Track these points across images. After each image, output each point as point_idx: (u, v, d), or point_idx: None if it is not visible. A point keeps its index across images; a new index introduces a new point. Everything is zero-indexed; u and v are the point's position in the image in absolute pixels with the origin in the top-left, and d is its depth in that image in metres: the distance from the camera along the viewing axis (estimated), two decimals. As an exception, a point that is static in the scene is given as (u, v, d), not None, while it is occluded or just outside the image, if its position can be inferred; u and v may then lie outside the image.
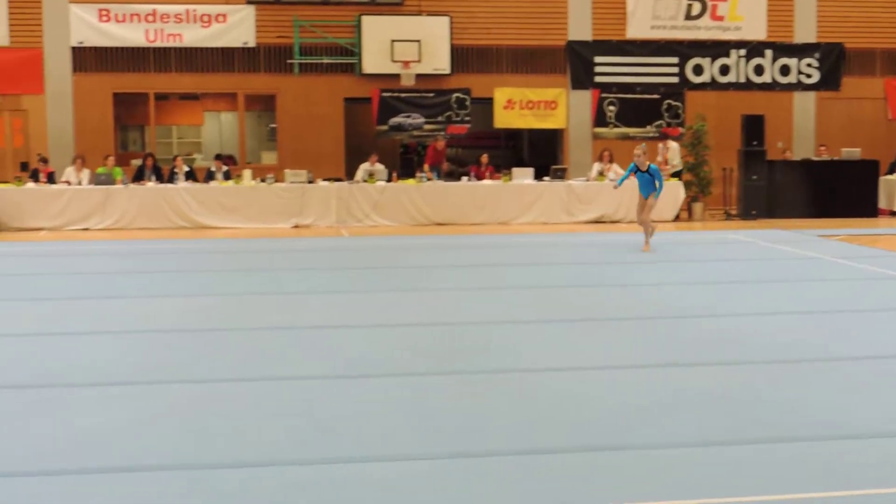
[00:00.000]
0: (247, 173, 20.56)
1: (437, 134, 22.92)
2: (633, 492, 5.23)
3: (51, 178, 20.48)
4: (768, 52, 24.19)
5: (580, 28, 23.55)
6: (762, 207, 21.40)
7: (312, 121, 22.93)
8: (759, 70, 24.23)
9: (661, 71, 23.89)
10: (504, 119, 23.59)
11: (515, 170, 21.22)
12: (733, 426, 6.35)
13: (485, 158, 21.94)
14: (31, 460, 5.85)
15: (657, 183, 15.40)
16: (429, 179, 20.85)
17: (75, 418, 6.70)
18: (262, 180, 20.29)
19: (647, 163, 15.36)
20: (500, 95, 23.38)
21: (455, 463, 5.76)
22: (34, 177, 20.59)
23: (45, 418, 6.71)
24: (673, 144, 21.96)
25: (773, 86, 24.27)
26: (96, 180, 20.14)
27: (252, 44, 22.58)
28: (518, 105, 23.46)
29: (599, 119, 23.83)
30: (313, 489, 5.37)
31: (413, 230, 19.38)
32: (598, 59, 23.65)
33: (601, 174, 21.18)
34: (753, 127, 21.52)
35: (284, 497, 5.25)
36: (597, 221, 20.55)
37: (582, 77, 23.69)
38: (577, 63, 23.62)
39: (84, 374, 7.91)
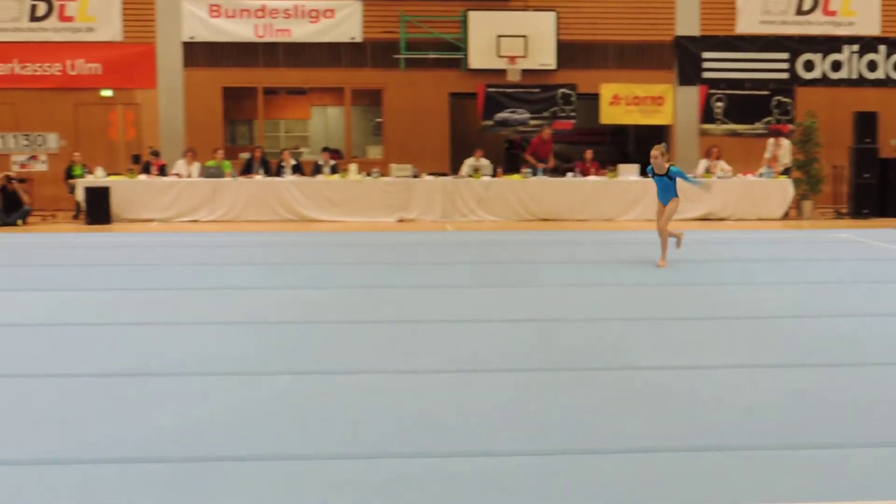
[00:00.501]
0: (353, 167, 20.72)
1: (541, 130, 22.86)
2: (750, 493, 5.14)
3: (162, 171, 20.87)
4: (882, 48, 23.65)
5: (688, 23, 23.27)
6: (874, 206, 20.94)
7: (418, 116, 23.01)
8: (872, 66, 23.70)
9: (771, 67, 23.51)
10: (610, 115, 23.43)
11: (621, 166, 21.06)
12: (855, 428, 6.22)
13: (589, 154, 21.81)
14: (152, 447, 5.96)
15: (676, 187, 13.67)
16: (532, 168, 20.79)
17: (193, 407, 6.81)
18: (368, 174, 20.43)
19: (667, 165, 13.49)
20: (606, 91, 23.22)
21: (562, 460, 5.72)
22: (146, 169, 20.99)
23: (163, 407, 6.83)
24: (785, 142, 21.58)
25: (886, 82, 23.71)
26: (206, 173, 20.48)
27: (359, 39, 22.74)
28: (624, 101, 23.28)
29: (707, 115, 23.53)
30: (422, 483, 5.38)
31: (517, 225, 19.34)
32: (706, 55, 23.35)
33: (708, 171, 20.91)
34: (866, 124, 21.07)
35: (394, 490, 5.27)
36: (703, 219, 20.30)
37: (689, 73, 23.41)
38: (684, 58, 23.34)
39: (198, 364, 8.02)
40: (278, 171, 20.91)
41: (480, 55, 22.63)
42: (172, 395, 7.12)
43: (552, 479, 5.43)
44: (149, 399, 7.03)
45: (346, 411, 6.71)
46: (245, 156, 22.07)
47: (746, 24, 23.47)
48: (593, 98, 23.30)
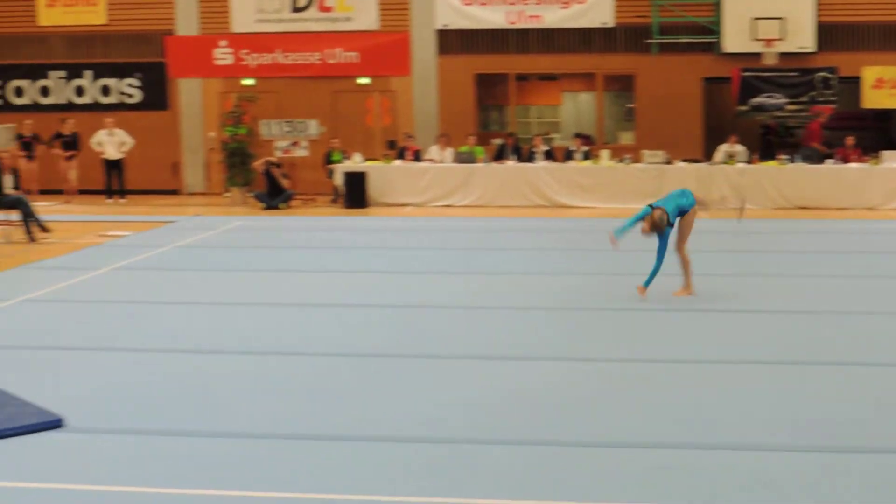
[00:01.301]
0: (604, 153, 20.61)
1: (799, 115, 22.12)
2: None
3: (416, 156, 21.31)
4: None
5: (961, 1, 22.04)
6: None
7: (670, 101, 22.66)
8: None
9: None
10: (873, 99, 22.43)
11: (885, 153, 20.15)
12: None
13: (850, 140, 20.97)
14: (411, 428, 6.10)
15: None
16: (822, 155, 20.11)
17: (450, 390, 6.94)
18: (620, 161, 20.28)
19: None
20: (869, 74, 22.24)
21: (829, 458, 5.55)
22: (401, 155, 21.48)
23: (419, 389, 6.97)
24: None
25: None
26: (459, 158, 20.79)
27: (611, 24, 22.55)
28: (889, 84, 22.24)
29: (980, 98, 22.23)
30: (680, 473, 5.31)
31: (774, 214, 18.81)
32: (980, 35, 22.07)
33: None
34: None
35: (651, 479, 5.23)
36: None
37: (961, 54, 22.17)
38: (956, 39, 22.14)
39: (455, 347, 8.16)
40: (530, 157, 21.01)
41: (735, 38, 22.06)
42: (430, 378, 7.26)
43: (814, 477, 5.27)
44: (407, 381, 7.19)
45: (605, 398, 6.69)
46: (497, 141, 22.26)
47: None
48: (854, 81, 22.36)
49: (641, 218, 10.06)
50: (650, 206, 10.22)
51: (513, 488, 5.12)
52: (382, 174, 20.54)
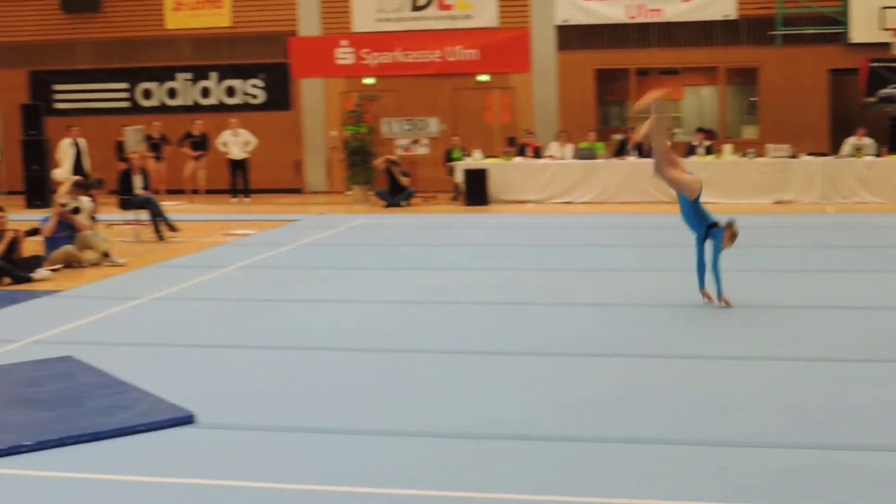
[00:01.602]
0: (727, 148, 20.31)
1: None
2: None
3: (537, 153, 21.29)
4: None
5: None
6: None
7: (795, 93, 22.23)
8: None
9: None
10: None
11: None
12: None
13: None
14: (538, 425, 6.11)
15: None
16: None
17: (575, 387, 6.93)
18: (743, 155, 19.97)
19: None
20: None
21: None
22: (521, 151, 21.48)
23: (545, 386, 6.98)
24: None
25: None
26: (579, 155, 20.72)
27: (733, 16, 22.22)
28: None
29: None
30: (809, 474, 5.23)
31: (903, 208, 18.35)
32: None
33: None
34: None
35: (779, 481, 5.15)
36: None
37: None
38: None
39: (580, 345, 8.15)
40: (651, 153, 20.79)
41: (862, 28, 21.55)
42: (554, 375, 7.26)
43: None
44: (531, 378, 7.20)
45: (724, 397, 6.62)
46: (618, 137, 22.12)
47: None
48: None
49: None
50: (714, 222, 9.63)
51: (639, 487, 5.09)
52: (503, 171, 20.57)
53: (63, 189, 14.35)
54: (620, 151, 21.10)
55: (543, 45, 23.01)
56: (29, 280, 12.09)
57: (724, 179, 19.61)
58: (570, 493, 5.04)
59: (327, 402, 6.67)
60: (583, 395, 6.72)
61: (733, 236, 9.54)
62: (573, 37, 22.98)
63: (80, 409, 6.46)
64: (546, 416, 6.27)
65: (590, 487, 5.10)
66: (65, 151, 20.48)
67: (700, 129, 21.60)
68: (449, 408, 6.49)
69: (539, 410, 6.38)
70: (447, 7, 23.29)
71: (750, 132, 23.07)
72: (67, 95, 25.04)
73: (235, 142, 22.21)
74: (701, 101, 24.82)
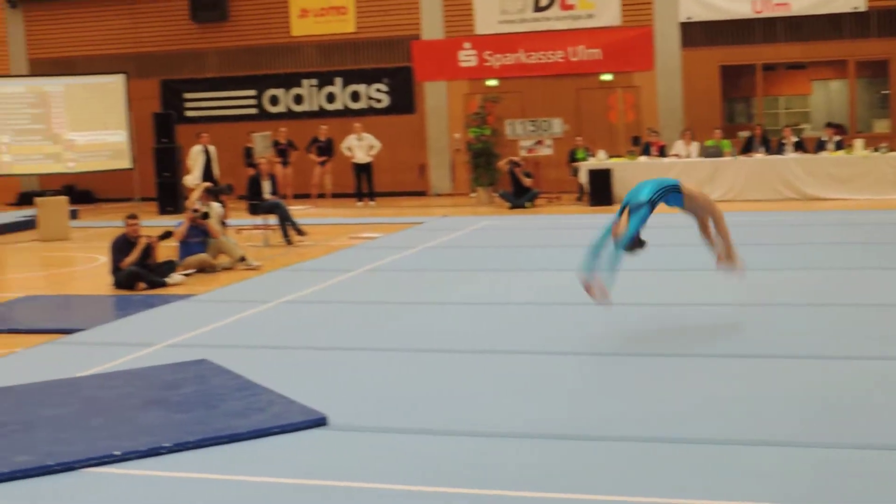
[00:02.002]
0: (858, 143, 19.86)
1: None
2: None
3: (661, 152, 21.09)
4: None
5: None
6: None
7: (929, 86, 21.64)
8: None
9: None
10: None
11: None
12: None
13: None
14: (660, 426, 6.05)
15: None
16: None
17: (703, 389, 6.85)
18: (875, 150, 19.50)
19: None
20: None
21: None
22: (645, 151, 21.30)
23: (677, 386, 6.91)
24: None
25: None
26: (705, 153, 20.46)
27: (863, 8, 21.69)
28: None
29: None
30: None
31: None
32: None
33: None
34: None
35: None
36: None
37: None
38: None
39: (704, 345, 8.05)
40: (779, 149, 20.45)
41: None
42: (670, 376, 7.19)
43: None
44: (658, 379, 7.14)
45: (875, 400, 6.49)
46: (744, 134, 21.78)
47: None
48: None
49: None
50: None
51: (787, 493, 5.01)
52: (627, 171, 20.42)
53: (195, 195, 14.69)
54: (747, 148, 20.77)
55: (667, 43, 22.79)
56: (163, 285, 12.41)
57: (856, 175, 19.20)
58: (680, 496, 4.99)
59: (456, 404, 6.71)
60: (701, 395, 6.64)
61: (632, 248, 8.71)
62: (697, 33, 22.71)
63: (216, 412, 6.61)
64: (662, 417, 6.21)
65: (702, 489, 5.04)
66: (195, 158, 20.97)
67: (829, 125, 21.14)
68: (575, 409, 6.48)
69: (657, 412, 6.32)
70: (569, 7, 23.22)
71: (882, 126, 22.52)
72: (197, 103, 25.63)
73: (360, 146, 22.46)
74: (829, 96, 24.30)
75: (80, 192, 26.17)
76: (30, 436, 6.27)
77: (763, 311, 9.39)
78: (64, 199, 19.10)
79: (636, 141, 22.04)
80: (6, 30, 26.97)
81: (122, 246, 12.50)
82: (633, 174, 20.37)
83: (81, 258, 15.77)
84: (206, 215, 13.93)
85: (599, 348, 8.12)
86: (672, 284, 10.99)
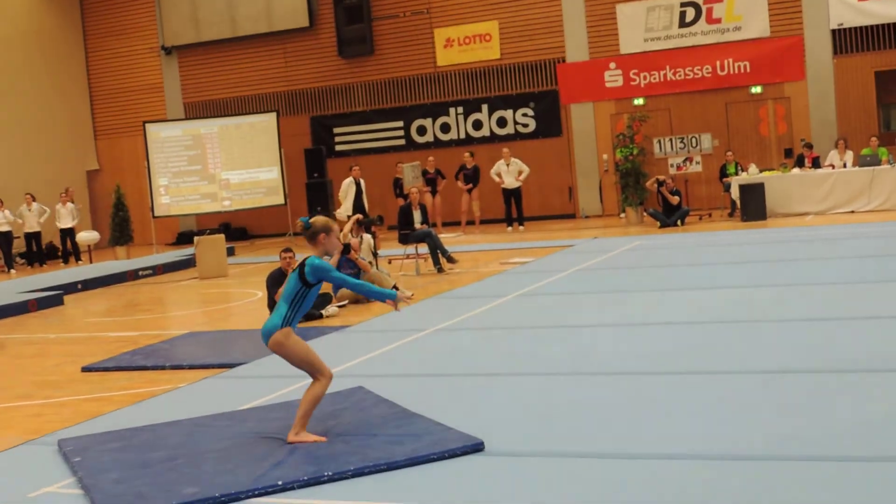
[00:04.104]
0: None
1: None
2: None
3: (815, 163, 20.59)
4: None
5: None
6: None
7: None
8: None
9: None
10: None
11: None
12: None
13: None
14: (831, 444, 5.88)
15: None
16: None
17: (869, 403, 6.65)
18: None
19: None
20: None
21: None
22: (799, 163, 20.83)
23: (834, 405, 6.72)
24: None
25: None
26: (861, 162, 19.92)
27: None
28: None
29: None
30: None
31: None
32: None
33: None
34: None
35: None
36: None
37: None
38: None
39: (865, 361, 7.81)
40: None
41: None
42: (843, 392, 6.98)
43: None
44: (816, 395, 6.95)
45: None
46: (903, 141, 21.16)
47: None
48: None
49: None
50: None
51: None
52: (780, 184, 20.02)
53: (347, 227, 14.92)
54: (906, 156, 20.15)
55: (818, 51, 22.29)
56: (320, 317, 12.62)
57: None
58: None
59: (613, 427, 6.63)
60: (876, 412, 6.43)
61: None
62: (850, 40, 22.17)
63: (375, 440, 6.67)
64: (837, 435, 6.03)
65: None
66: (346, 191, 21.30)
67: None
68: (732, 429, 6.34)
69: (828, 430, 6.14)
70: (716, 21, 22.94)
71: None
72: (346, 137, 26.08)
73: (508, 171, 22.50)
74: None
75: (236, 229, 26.87)
76: (197, 468, 6.42)
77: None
78: (221, 236, 19.61)
79: (788, 153, 21.58)
80: (162, 76, 27.91)
81: (277, 279, 12.74)
82: (786, 187, 19.97)
83: (239, 294, 16.15)
84: (347, 247, 13.99)
85: (764, 366, 7.94)
86: (855, 297, 10.66)
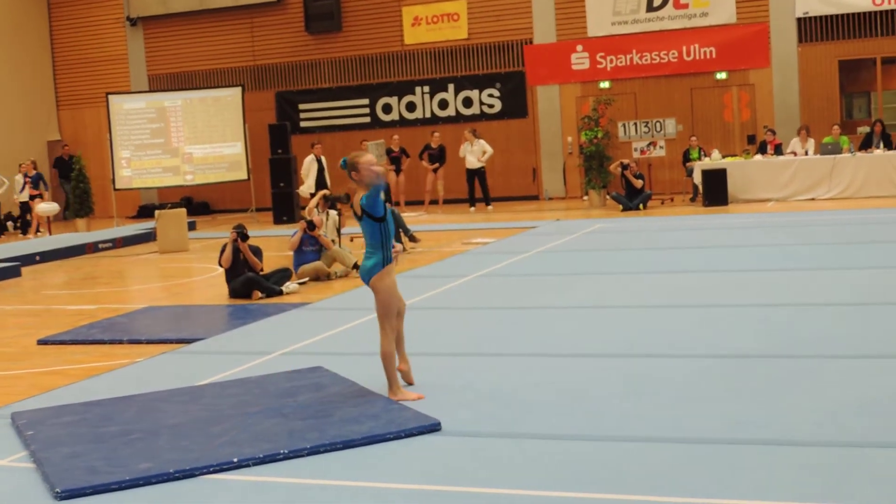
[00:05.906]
0: None
1: None
2: None
3: (777, 150, 20.72)
4: None
5: None
6: None
7: None
8: None
9: None
10: None
11: None
12: None
13: None
14: (791, 430, 5.93)
15: None
16: None
17: (825, 391, 6.71)
18: None
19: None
20: None
21: None
22: (761, 149, 20.96)
23: (799, 389, 6.77)
24: None
25: None
26: (822, 150, 20.06)
27: None
28: None
29: None
30: None
31: None
32: None
33: None
34: None
35: None
36: None
37: None
38: None
39: (823, 347, 7.88)
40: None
41: None
42: (807, 377, 7.04)
43: None
44: (783, 380, 7.00)
45: None
46: (863, 130, 21.29)
47: None
48: None
49: None
50: None
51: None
52: (742, 170, 20.14)
53: (313, 204, 14.88)
54: (866, 144, 20.30)
55: (783, 39, 22.40)
56: (279, 293, 12.59)
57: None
58: (825, 500, 4.87)
59: (572, 409, 6.66)
60: (836, 398, 6.49)
61: None
62: (814, 29, 22.29)
63: (332, 419, 6.67)
64: (798, 421, 6.08)
65: (847, 495, 4.91)
66: (308, 168, 21.24)
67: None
68: (696, 412, 6.38)
69: (791, 415, 6.19)
70: (683, 6, 23.00)
71: None
72: (311, 114, 25.98)
73: (472, 151, 22.50)
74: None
75: (199, 203, 26.74)
76: (152, 443, 6.40)
77: (876, 310, 9.16)
78: (182, 211, 19.50)
79: (751, 139, 21.71)
80: (126, 47, 27.66)
81: (222, 251, 12.88)
82: (748, 173, 20.09)
83: (199, 269, 16.08)
84: (311, 225, 13.95)
85: (722, 350, 7.99)
86: (815, 283, 10.74)
